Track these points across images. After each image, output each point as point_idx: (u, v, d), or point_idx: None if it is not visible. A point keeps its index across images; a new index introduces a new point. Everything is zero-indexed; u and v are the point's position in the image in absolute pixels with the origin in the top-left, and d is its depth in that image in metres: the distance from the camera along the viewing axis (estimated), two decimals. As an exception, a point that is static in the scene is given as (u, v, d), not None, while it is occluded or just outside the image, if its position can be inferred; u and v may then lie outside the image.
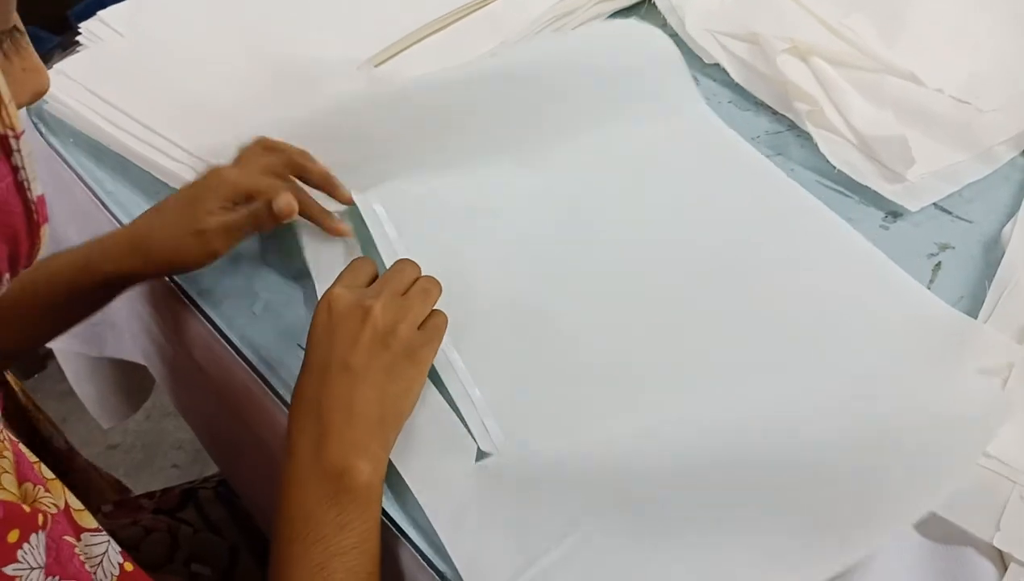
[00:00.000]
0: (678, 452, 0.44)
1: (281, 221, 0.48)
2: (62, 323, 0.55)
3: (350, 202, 0.54)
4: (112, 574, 0.37)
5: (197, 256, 0.49)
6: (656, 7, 0.72)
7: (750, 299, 0.52)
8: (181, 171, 0.58)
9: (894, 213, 0.58)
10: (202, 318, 0.53)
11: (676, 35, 0.70)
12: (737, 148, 0.61)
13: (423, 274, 0.48)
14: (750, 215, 0.57)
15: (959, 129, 0.62)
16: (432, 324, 0.46)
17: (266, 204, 0.48)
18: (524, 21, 0.67)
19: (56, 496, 0.35)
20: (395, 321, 0.43)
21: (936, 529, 0.43)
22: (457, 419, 0.46)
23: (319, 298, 0.46)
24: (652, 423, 0.46)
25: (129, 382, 0.78)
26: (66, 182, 0.62)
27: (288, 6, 0.70)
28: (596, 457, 0.44)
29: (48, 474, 0.36)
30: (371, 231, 0.53)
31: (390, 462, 0.43)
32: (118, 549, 0.38)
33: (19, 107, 0.31)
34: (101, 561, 0.37)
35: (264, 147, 0.52)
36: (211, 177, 0.50)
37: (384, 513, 0.43)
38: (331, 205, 0.54)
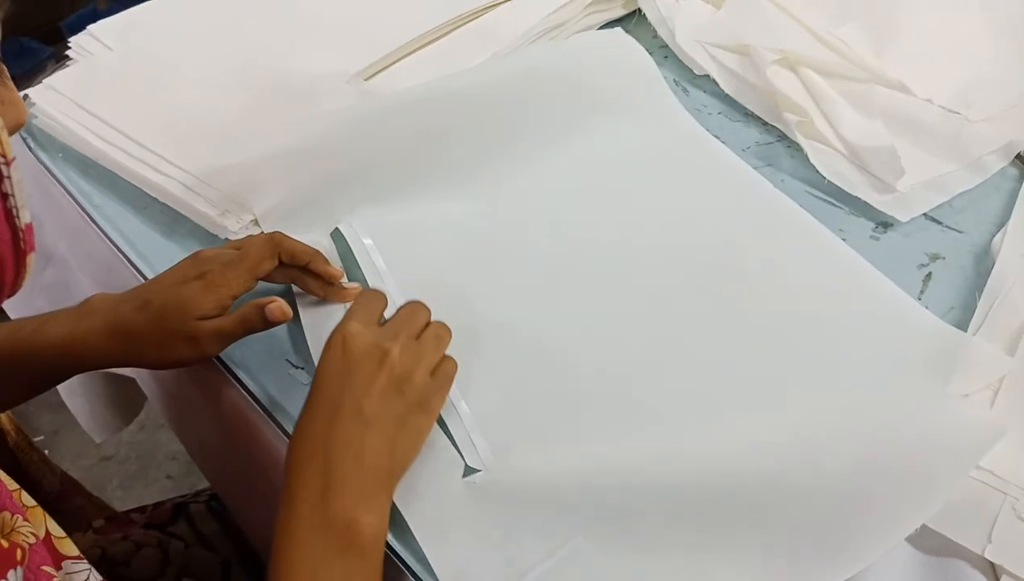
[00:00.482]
0: (667, 470, 0.44)
1: (273, 325, 0.47)
2: (31, 393, 0.53)
3: (340, 277, 0.52)
4: None
5: (189, 359, 0.48)
6: (646, 19, 0.72)
7: (738, 315, 0.52)
8: (170, 186, 0.58)
9: (884, 224, 0.58)
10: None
11: (666, 46, 0.70)
12: (725, 161, 0.61)
13: (432, 318, 0.46)
14: (738, 229, 0.57)
15: (949, 139, 0.62)
16: (443, 372, 0.45)
17: (257, 309, 0.47)
18: (514, 34, 0.68)
19: (36, 525, 0.35)
20: (411, 367, 0.42)
21: (928, 541, 0.43)
22: (444, 434, 0.46)
23: (313, 353, 0.46)
24: (640, 440, 0.46)
25: (121, 396, 0.77)
26: (55, 197, 0.62)
27: (278, 20, 0.70)
28: (584, 474, 0.44)
29: (29, 501, 0.36)
30: (359, 263, 0.53)
31: None
32: (100, 578, 0.38)
33: None
34: None
35: (274, 243, 0.50)
36: (198, 271, 0.47)
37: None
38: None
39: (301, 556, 0.38)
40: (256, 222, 0.56)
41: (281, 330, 0.52)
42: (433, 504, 0.43)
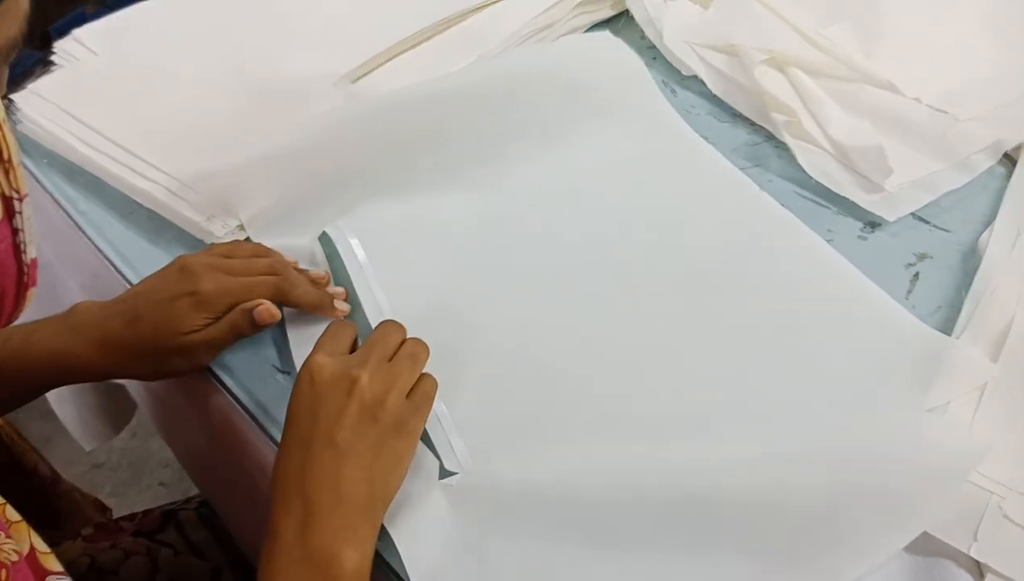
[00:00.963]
0: (645, 481, 0.43)
1: (262, 328, 0.47)
2: (18, 404, 0.53)
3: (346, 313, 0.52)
4: None
5: (182, 370, 0.48)
6: (634, 20, 0.72)
7: (722, 323, 0.51)
8: (156, 191, 0.57)
9: (872, 223, 0.58)
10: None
11: (654, 47, 0.70)
12: (712, 164, 0.61)
13: (409, 336, 0.45)
14: (723, 234, 0.57)
15: (936, 138, 0.62)
16: (421, 391, 0.43)
17: (245, 314, 0.46)
18: (501, 36, 0.67)
19: (20, 541, 0.34)
20: (383, 392, 0.41)
21: (913, 540, 0.43)
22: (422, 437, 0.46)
23: (296, 360, 0.45)
24: (621, 448, 0.45)
25: (111, 404, 0.77)
26: (41, 202, 0.62)
27: (264, 24, 0.70)
28: (563, 481, 0.44)
29: (14, 516, 0.35)
30: (345, 263, 0.53)
31: None
32: None
33: None
34: None
35: (260, 253, 0.50)
36: (188, 288, 0.47)
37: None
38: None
39: None
40: (242, 227, 0.56)
41: (267, 336, 0.52)
42: (409, 505, 0.42)
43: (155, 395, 0.62)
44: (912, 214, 0.59)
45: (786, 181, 0.61)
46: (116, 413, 0.78)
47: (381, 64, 0.67)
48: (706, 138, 0.63)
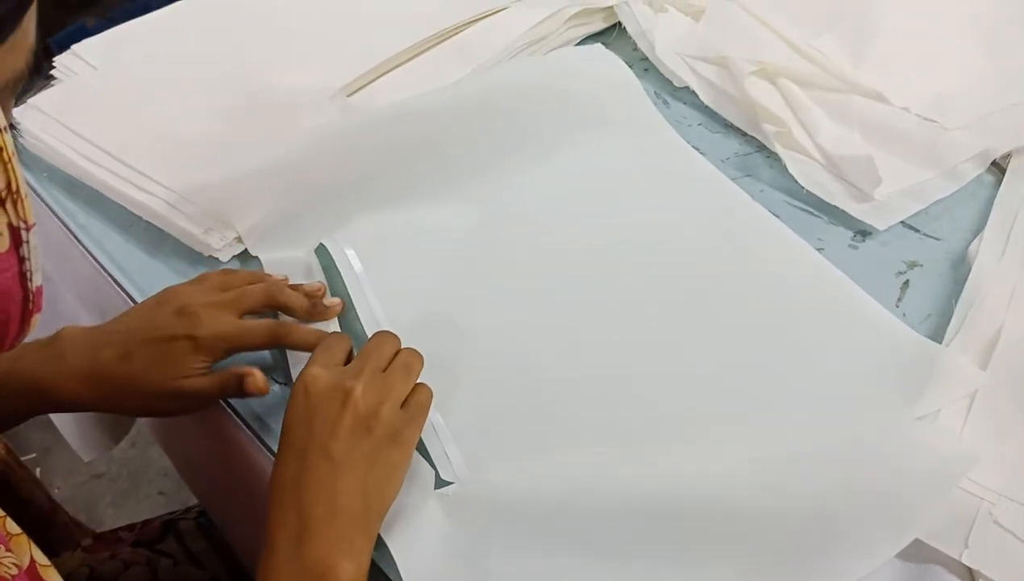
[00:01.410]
0: (639, 491, 0.44)
1: (248, 397, 0.47)
2: (4, 429, 0.53)
3: (338, 311, 0.51)
4: None
5: (170, 412, 0.48)
6: (626, 32, 0.72)
7: (715, 333, 0.52)
8: (155, 204, 0.58)
9: (863, 232, 0.59)
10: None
11: (646, 59, 0.71)
12: (705, 174, 0.62)
13: (405, 346, 0.46)
14: (716, 245, 0.57)
15: (925, 147, 0.62)
16: (416, 401, 0.44)
17: (237, 378, 0.46)
18: (495, 49, 0.68)
19: (20, 554, 0.35)
20: (377, 403, 0.41)
21: (905, 546, 0.43)
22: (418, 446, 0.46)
23: (293, 371, 0.45)
24: (616, 457, 0.46)
25: (110, 415, 0.77)
26: (40, 216, 0.62)
27: (261, 38, 0.71)
28: (558, 490, 0.44)
29: (14, 529, 0.36)
30: (342, 275, 0.53)
31: None
32: None
33: None
34: None
35: (249, 279, 0.50)
36: (186, 332, 0.46)
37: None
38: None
39: None
40: (240, 239, 0.57)
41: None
42: (405, 515, 0.43)
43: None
44: (902, 223, 0.59)
45: (777, 191, 0.62)
46: (115, 424, 0.78)
47: (376, 77, 0.68)
48: (698, 148, 0.64)
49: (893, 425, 0.47)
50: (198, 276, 0.51)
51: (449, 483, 0.45)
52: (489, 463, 0.46)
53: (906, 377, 0.49)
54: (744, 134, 0.66)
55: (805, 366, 0.50)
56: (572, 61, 0.67)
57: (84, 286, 0.61)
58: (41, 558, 0.37)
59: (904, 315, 0.53)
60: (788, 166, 0.61)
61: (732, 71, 0.67)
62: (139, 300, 0.54)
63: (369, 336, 0.47)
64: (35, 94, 0.65)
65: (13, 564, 0.34)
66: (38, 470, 1.29)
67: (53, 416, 0.77)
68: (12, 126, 0.33)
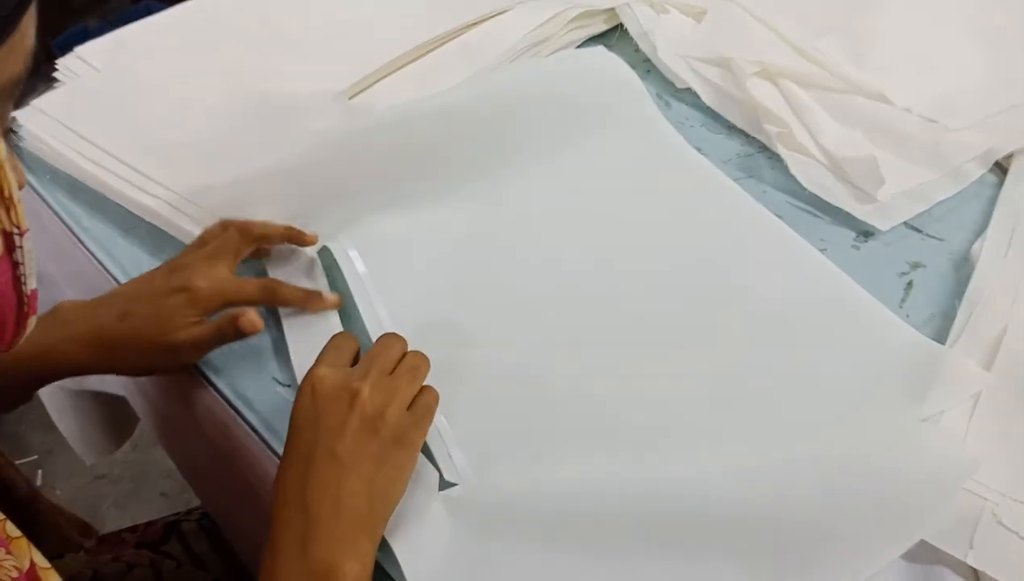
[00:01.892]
0: (647, 493, 0.44)
1: (246, 336, 0.49)
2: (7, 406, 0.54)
3: (314, 242, 0.54)
4: None
5: (168, 368, 0.50)
6: (628, 33, 0.73)
7: (719, 336, 0.52)
8: (157, 206, 0.58)
9: (866, 233, 0.59)
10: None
11: (648, 60, 0.71)
12: (707, 175, 0.62)
13: (410, 349, 0.46)
14: (719, 247, 0.57)
15: (928, 148, 0.62)
16: (422, 404, 0.44)
17: (231, 321, 0.48)
18: (497, 50, 0.68)
19: (20, 557, 0.35)
20: (384, 404, 0.41)
21: (910, 548, 0.43)
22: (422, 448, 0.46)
23: (297, 373, 0.45)
24: (622, 461, 0.46)
25: (112, 418, 0.77)
26: (43, 219, 0.62)
27: (264, 40, 0.71)
28: (562, 493, 0.44)
29: (14, 532, 0.36)
30: (346, 277, 0.53)
31: None
32: None
33: None
34: None
35: (224, 227, 0.51)
36: (181, 284, 0.48)
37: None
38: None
39: None
40: (243, 241, 0.57)
41: (267, 348, 0.53)
42: (409, 517, 0.43)
43: (156, 407, 0.62)
44: (905, 223, 0.59)
45: (780, 192, 0.62)
46: (117, 427, 0.79)
47: (378, 80, 0.68)
48: (700, 149, 0.64)
49: (897, 426, 0.47)
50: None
51: (453, 485, 0.45)
52: (493, 465, 0.46)
53: (910, 378, 0.49)
54: (746, 135, 0.66)
55: (808, 368, 0.50)
56: (574, 63, 0.67)
57: (86, 288, 0.61)
58: (41, 561, 0.37)
59: (907, 316, 0.53)
60: (790, 167, 0.61)
61: (734, 72, 0.67)
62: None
63: (373, 338, 0.47)
64: (38, 96, 0.66)
65: (13, 567, 0.34)
66: (39, 471, 1.29)
67: (56, 418, 0.78)
68: (12, 131, 0.33)
